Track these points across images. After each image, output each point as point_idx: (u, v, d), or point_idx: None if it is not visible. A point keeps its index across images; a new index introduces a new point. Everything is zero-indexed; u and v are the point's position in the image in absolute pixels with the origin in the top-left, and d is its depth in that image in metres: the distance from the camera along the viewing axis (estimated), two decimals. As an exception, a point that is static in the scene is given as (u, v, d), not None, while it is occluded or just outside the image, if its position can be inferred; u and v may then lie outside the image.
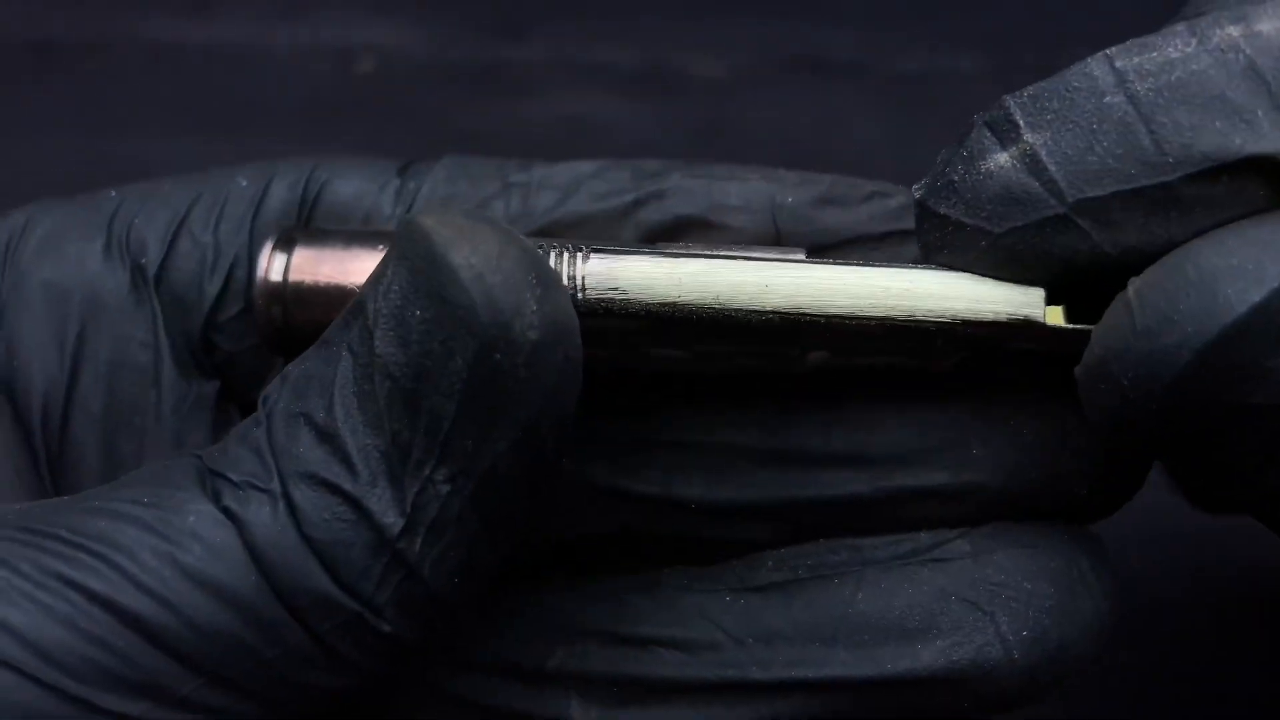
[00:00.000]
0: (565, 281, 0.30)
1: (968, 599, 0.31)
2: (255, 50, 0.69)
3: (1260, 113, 0.27)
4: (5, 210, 0.36)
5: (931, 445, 0.32)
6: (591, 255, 0.30)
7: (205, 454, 0.29)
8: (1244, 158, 0.27)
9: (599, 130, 0.66)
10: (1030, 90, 0.29)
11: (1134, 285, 0.28)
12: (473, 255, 0.27)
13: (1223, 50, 0.28)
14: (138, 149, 0.64)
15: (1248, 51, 0.28)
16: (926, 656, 0.31)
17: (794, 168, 0.35)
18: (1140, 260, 0.28)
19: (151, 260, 0.35)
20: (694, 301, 0.29)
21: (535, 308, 0.27)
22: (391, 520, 0.28)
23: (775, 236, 0.34)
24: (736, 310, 0.30)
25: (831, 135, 0.64)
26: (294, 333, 0.32)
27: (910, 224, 0.32)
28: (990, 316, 0.30)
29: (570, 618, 0.32)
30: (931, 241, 0.30)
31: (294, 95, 0.67)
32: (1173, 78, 0.28)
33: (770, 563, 0.33)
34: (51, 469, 0.34)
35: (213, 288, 0.35)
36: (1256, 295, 0.26)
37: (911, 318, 0.30)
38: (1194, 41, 0.28)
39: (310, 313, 0.32)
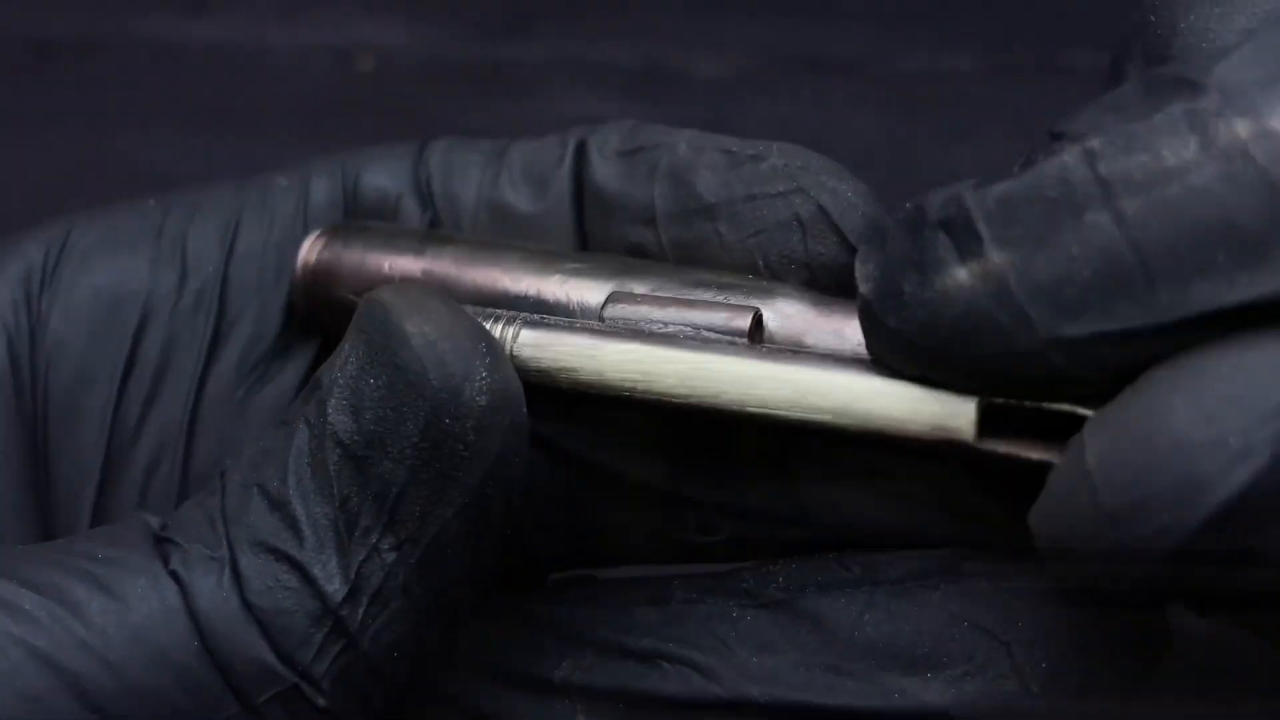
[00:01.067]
0: None
1: (981, 625, 0.29)
2: (255, 50, 0.69)
3: (1275, 244, 0.23)
4: (9, 208, 0.36)
5: (934, 494, 0.30)
6: (523, 329, 0.30)
7: (160, 519, 0.29)
8: (1254, 304, 0.23)
9: (599, 130, 0.66)
10: (996, 192, 0.24)
11: (1093, 449, 0.24)
12: (425, 324, 0.28)
13: (1229, 158, 0.23)
14: (137, 148, 0.64)
15: (1260, 160, 0.23)
16: (936, 687, 0.29)
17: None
18: (1115, 381, 0.24)
19: (212, 267, 0.35)
20: (615, 384, 0.30)
21: (485, 375, 0.27)
22: (335, 588, 0.28)
23: (650, 198, 0.33)
24: (656, 398, 0.29)
25: (831, 135, 0.63)
26: (323, 316, 0.34)
27: (775, 187, 0.31)
28: (913, 433, 0.27)
29: (579, 628, 0.32)
30: (883, 354, 0.27)
31: (294, 95, 0.68)
32: (1168, 193, 0.23)
33: (781, 577, 0.31)
34: (102, 483, 0.34)
35: (280, 290, 0.35)
36: (1244, 473, 0.22)
37: (827, 424, 0.28)
38: (1194, 142, 0.23)
39: (335, 299, 0.34)
